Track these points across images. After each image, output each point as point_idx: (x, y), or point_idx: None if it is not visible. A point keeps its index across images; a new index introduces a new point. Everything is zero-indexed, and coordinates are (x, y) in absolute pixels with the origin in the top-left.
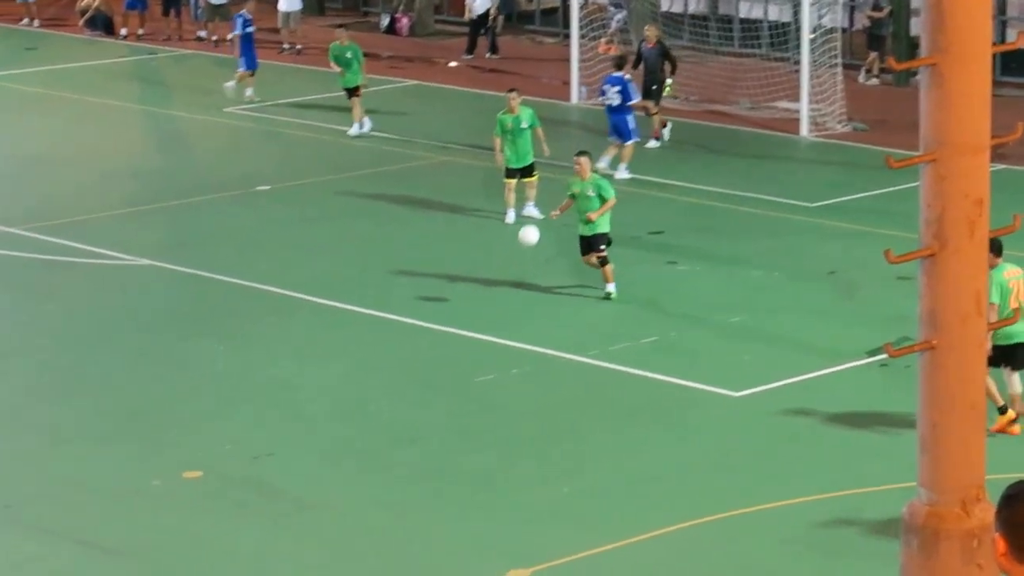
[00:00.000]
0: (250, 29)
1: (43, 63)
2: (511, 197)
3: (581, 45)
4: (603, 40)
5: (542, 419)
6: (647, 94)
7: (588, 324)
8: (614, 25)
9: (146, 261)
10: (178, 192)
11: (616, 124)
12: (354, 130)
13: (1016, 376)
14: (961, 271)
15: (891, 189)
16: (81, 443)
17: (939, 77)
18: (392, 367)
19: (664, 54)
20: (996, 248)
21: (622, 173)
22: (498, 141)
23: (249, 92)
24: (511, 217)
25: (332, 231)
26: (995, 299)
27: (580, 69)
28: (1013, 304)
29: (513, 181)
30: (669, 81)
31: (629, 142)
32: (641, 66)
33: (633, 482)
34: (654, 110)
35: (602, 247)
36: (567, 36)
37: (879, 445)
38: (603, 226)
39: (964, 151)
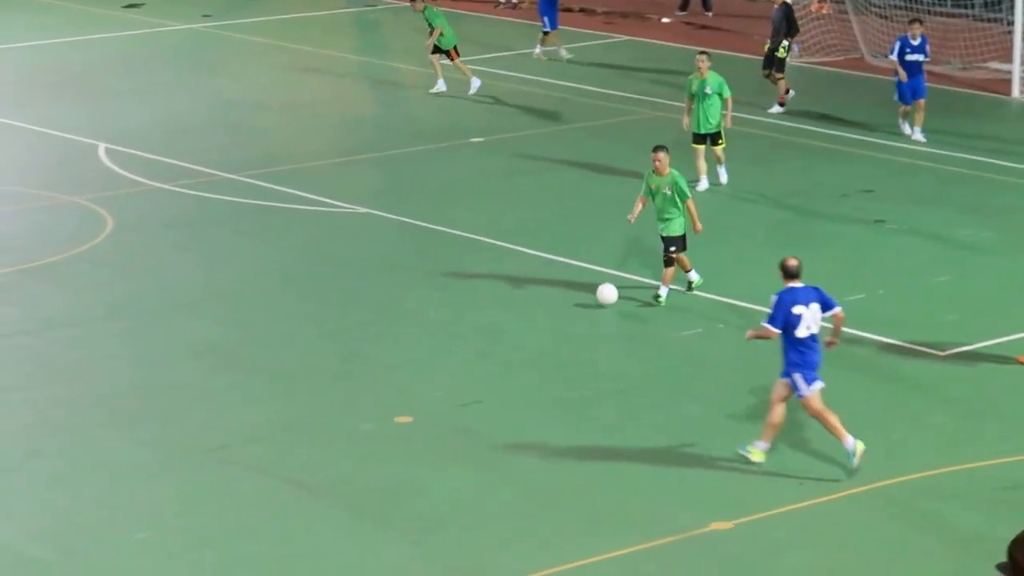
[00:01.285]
0: None
1: (266, 13)
2: (700, 164)
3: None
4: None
5: (748, 374)
6: (768, 60)
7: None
8: None
9: (363, 209)
10: (393, 142)
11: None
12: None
13: None
14: None
15: None
16: (295, 385)
17: None
18: (598, 318)
19: (786, 16)
20: None
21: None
22: (688, 103)
23: (563, 52)
24: (703, 184)
25: (542, 183)
26: None
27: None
28: None
29: (701, 147)
30: (785, 43)
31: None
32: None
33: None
34: (778, 76)
35: (672, 248)
36: None
37: None
38: (677, 229)
39: None
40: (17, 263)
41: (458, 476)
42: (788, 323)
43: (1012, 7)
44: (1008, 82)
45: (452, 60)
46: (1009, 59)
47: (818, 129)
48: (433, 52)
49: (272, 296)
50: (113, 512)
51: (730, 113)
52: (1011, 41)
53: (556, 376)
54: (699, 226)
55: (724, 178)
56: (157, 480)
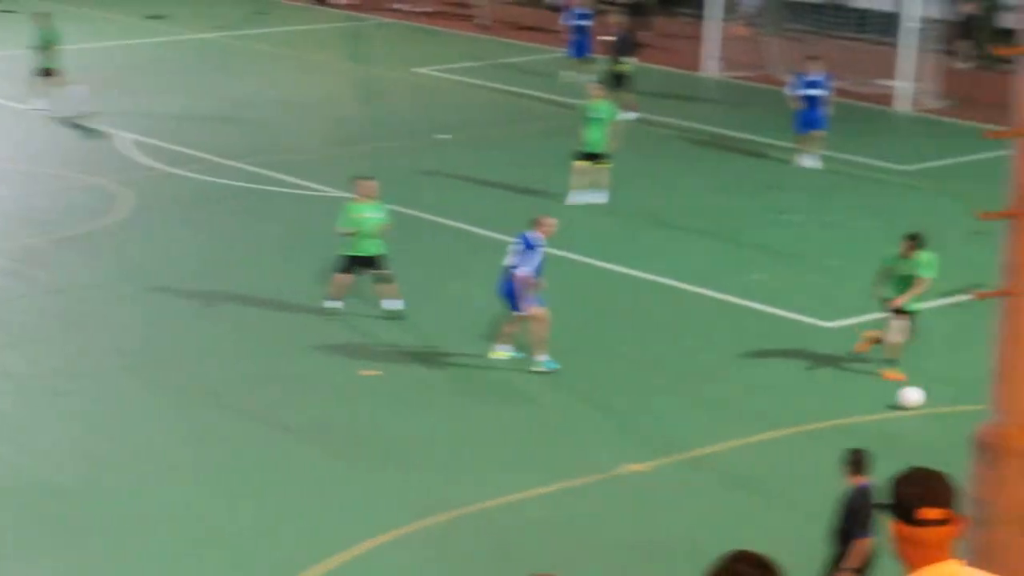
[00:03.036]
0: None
1: (271, 26)
2: (576, 179)
3: (714, 25)
4: (737, 22)
5: (674, 339)
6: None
7: (710, 262)
8: (747, 8)
9: (344, 194)
10: (375, 136)
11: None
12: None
13: None
14: None
15: (976, 157)
16: (282, 339)
17: None
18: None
19: (627, 38)
20: None
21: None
22: (584, 127)
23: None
24: (572, 199)
25: (504, 175)
26: None
27: (719, 46)
28: None
29: (581, 164)
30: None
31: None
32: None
33: (749, 392)
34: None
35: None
36: (702, 17)
37: (946, 373)
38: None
39: None
40: (50, 233)
41: (414, 420)
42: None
43: (901, 32)
44: (894, 96)
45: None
46: (897, 76)
47: (736, 134)
48: (42, 73)
49: (263, 265)
50: (125, 446)
51: (615, 139)
52: (899, 61)
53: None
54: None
55: (598, 198)
56: (164, 420)
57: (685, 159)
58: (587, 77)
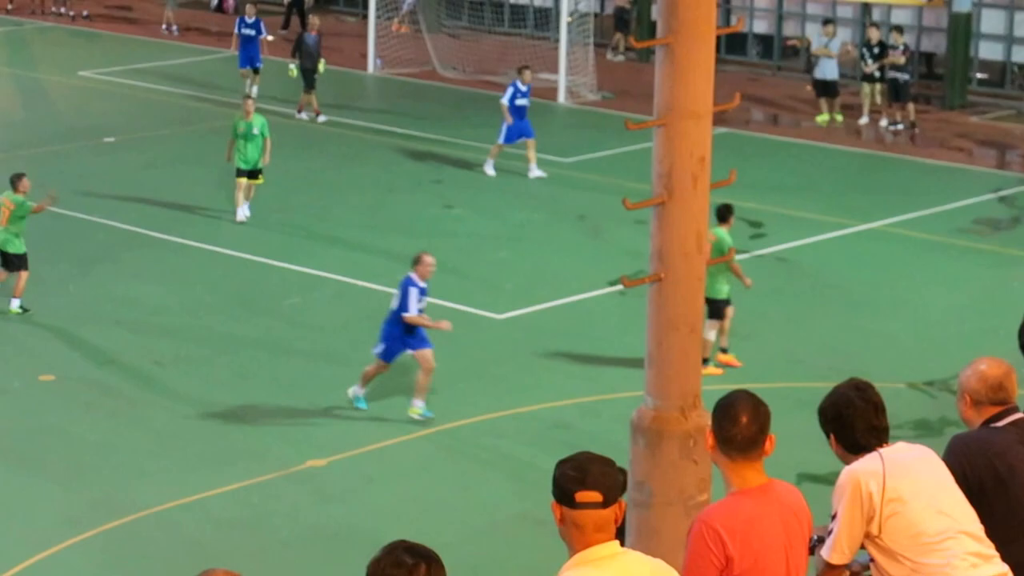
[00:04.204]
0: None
1: None
2: (239, 195)
3: (377, 24)
4: (396, 20)
5: (343, 335)
6: (310, 78)
7: (380, 257)
8: (405, 7)
9: None
10: (39, 141)
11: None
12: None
13: None
14: (685, 216)
15: (631, 148)
16: None
17: (671, 54)
18: (214, 287)
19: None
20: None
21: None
22: (231, 143)
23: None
24: (240, 215)
25: (166, 176)
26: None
27: (376, 44)
28: None
29: (243, 180)
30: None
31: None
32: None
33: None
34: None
35: None
36: (366, 16)
37: (618, 359)
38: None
39: (690, 116)
40: None
41: (96, 424)
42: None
43: (558, 27)
44: (555, 90)
45: None
46: (556, 70)
47: (399, 130)
48: None
49: None
50: None
51: (268, 152)
52: (557, 55)
53: (180, 339)
54: None
55: (246, 214)
56: None
57: (351, 158)
58: (253, 88)
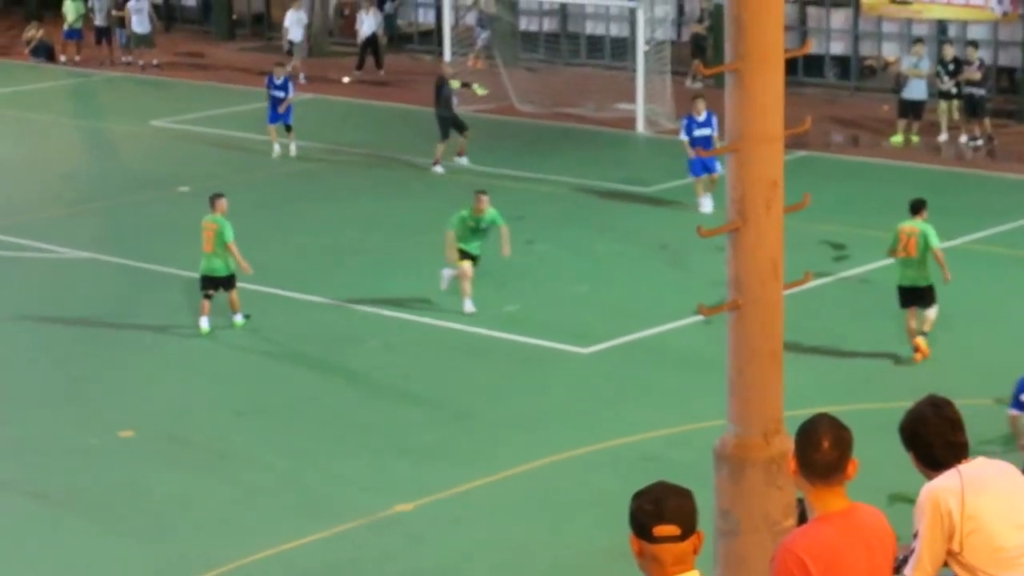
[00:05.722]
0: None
1: None
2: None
3: (453, 61)
4: (471, 55)
5: (427, 377)
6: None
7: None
8: (480, 43)
9: (87, 254)
10: (116, 192)
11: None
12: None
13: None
14: (760, 242)
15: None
16: (30, 408)
17: (740, 80)
18: (286, 339)
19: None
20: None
21: None
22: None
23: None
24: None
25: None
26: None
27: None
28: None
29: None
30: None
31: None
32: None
33: (505, 425)
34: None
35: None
36: (441, 53)
37: (705, 388)
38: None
39: (760, 141)
40: None
41: (177, 479)
42: None
43: (635, 57)
44: (634, 119)
45: None
46: (634, 100)
47: (478, 168)
48: None
49: (11, 331)
50: None
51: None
52: (635, 85)
53: (259, 387)
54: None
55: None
56: None
57: (438, 195)
58: (289, 147)
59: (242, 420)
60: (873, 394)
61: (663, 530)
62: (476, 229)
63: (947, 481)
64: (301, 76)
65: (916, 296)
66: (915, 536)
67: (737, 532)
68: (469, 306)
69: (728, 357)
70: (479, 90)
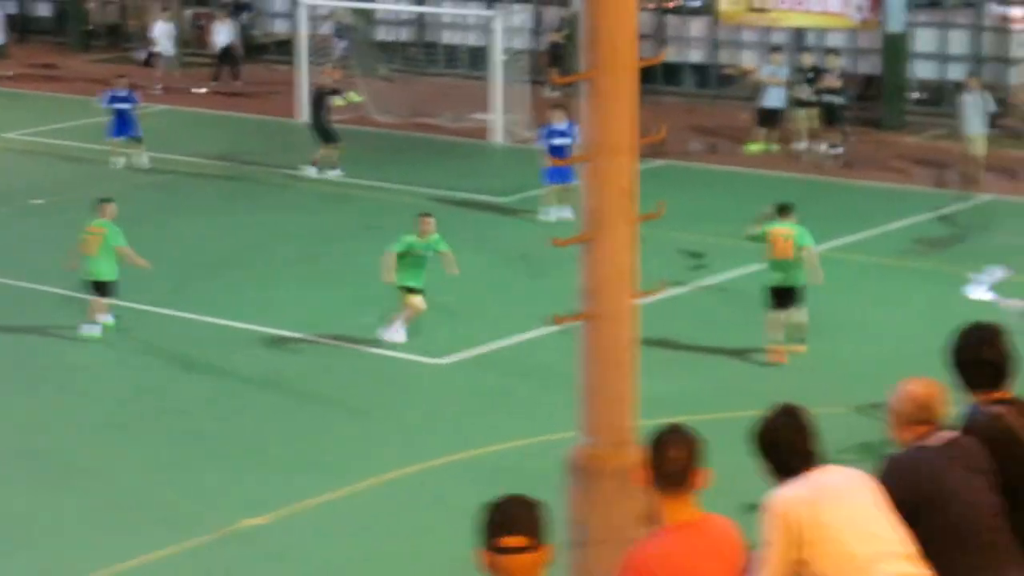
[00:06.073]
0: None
1: None
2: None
3: (309, 71)
4: (328, 65)
5: (288, 390)
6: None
7: (314, 307)
8: (337, 53)
9: None
10: None
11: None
12: None
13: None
14: (614, 253)
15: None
16: None
17: (594, 89)
18: (150, 353)
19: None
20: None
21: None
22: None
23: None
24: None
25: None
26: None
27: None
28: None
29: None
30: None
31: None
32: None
33: (362, 438)
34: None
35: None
36: (297, 63)
37: (561, 398)
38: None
39: (614, 150)
40: None
41: (23, 494)
42: None
43: (492, 66)
44: (490, 129)
45: None
46: (491, 110)
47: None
48: None
49: None
50: None
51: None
52: (492, 94)
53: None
54: None
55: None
56: None
57: (299, 206)
58: (139, 159)
59: (99, 434)
60: (731, 403)
61: (511, 541)
62: (422, 256)
63: (796, 489)
64: (158, 87)
65: (789, 296)
66: (763, 545)
67: (587, 543)
68: (401, 334)
69: (579, 367)
70: (356, 97)
